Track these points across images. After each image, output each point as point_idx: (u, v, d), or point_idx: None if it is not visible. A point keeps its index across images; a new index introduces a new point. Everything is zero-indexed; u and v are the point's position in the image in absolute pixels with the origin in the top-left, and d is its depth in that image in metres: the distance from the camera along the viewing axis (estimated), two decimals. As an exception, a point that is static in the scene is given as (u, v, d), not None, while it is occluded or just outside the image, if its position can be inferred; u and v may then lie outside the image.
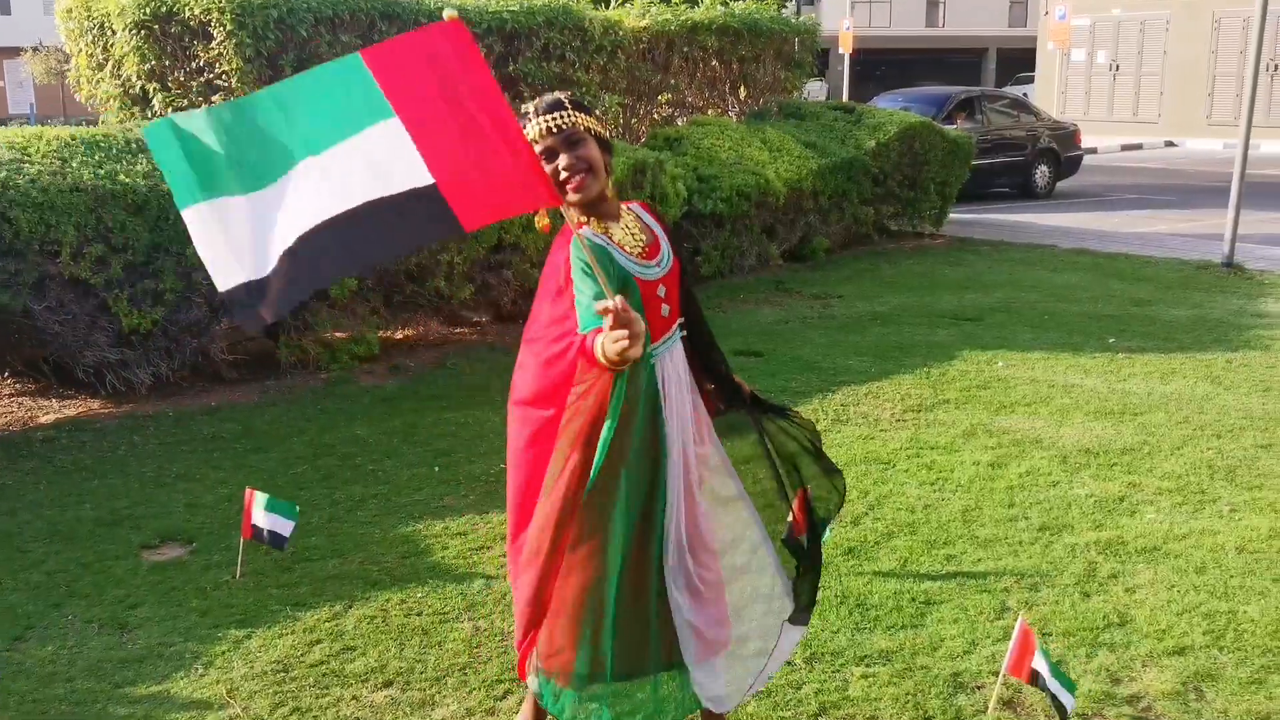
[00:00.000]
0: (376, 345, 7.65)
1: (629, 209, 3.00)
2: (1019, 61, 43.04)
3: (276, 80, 7.75)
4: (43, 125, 7.36)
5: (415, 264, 7.48)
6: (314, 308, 7.23)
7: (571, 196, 2.80)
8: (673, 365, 2.93)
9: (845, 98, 25.83)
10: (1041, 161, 17.54)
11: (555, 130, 2.77)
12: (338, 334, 7.59)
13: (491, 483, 5.48)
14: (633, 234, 2.92)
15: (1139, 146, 28.22)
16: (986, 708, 3.51)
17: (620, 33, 10.20)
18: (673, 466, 2.89)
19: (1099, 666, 3.76)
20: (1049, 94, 31.94)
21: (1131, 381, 7.06)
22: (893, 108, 14.57)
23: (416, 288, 7.63)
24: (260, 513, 4.41)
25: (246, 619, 4.16)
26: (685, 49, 11.06)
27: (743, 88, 12.21)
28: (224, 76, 7.73)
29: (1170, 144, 28.94)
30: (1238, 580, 4.39)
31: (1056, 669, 3.34)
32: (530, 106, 2.83)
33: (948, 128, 13.59)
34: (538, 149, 2.78)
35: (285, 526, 4.43)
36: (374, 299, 7.54)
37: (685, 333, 2.99)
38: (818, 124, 11.92)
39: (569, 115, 2.78)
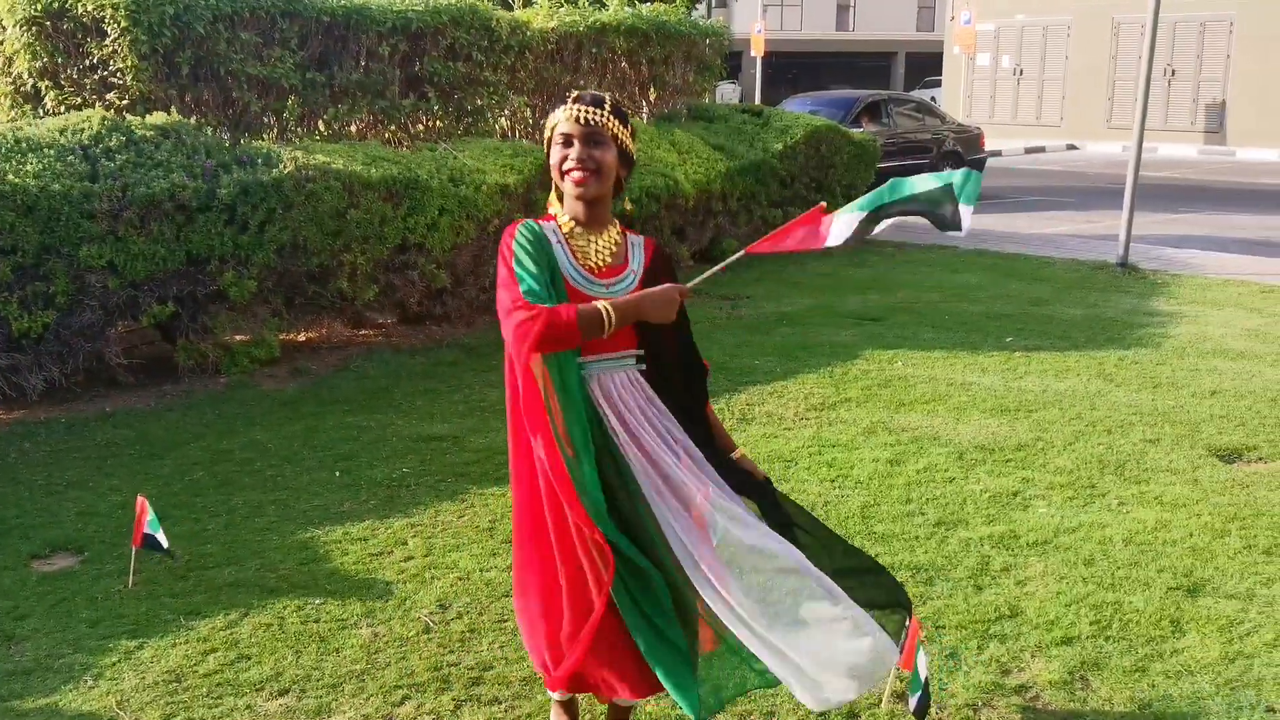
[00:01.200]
0: (277, 348, 7.53)
1: (623, 232, 2.98)
2: (927, 65, 43.79)
3: (173, 79, 7.66)
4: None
5: (318, 265, 7.38)
6: (213, 310, 7.11)
7: (568, 188, 2.82)
8: (617, 390, 2.91)
9: (758, 100, 26.11)
10: (946, 164, 17.81)
11: (582, 122, 2.79)
12: (237, 337, 7.47)
13: (393, 487, 5.43)
14: (597, 248, 2.90)
15: (1042, 149, 28.87)
16: (880, 700, 3.57)
17: (528, 33, 10.16)
18: (645, 489, 2.87)
19: (989, 658, 3.84)
20: (955, 97, 32.56)
21: (1027, 379, 7.23)
22: (801, 111, 14.72)
23: (319, 289, 7.54)
24: (151, 521, 4.32)
25: (139, 629, 4.07)
26: (594, 50, 11.04)
27: (652, 90, 12.25)
28: (119, 74, 7.55)
29: (1072, 147, 29.67)
30: (1124, 571, 4.52)
31: (916, 677, 3.34)
32: (573, 93, 2.86)
33: (854, 131, 13.78)
34: (558, 131, 2.81)
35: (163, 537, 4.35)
36: (275, 301, 7.43)
37: (643, 367, 2.97)
38: (726, 126, 12.02)
39: (602, 115, 2.79)
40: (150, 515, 4.33)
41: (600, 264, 2.89)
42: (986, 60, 32.05)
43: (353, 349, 8.01)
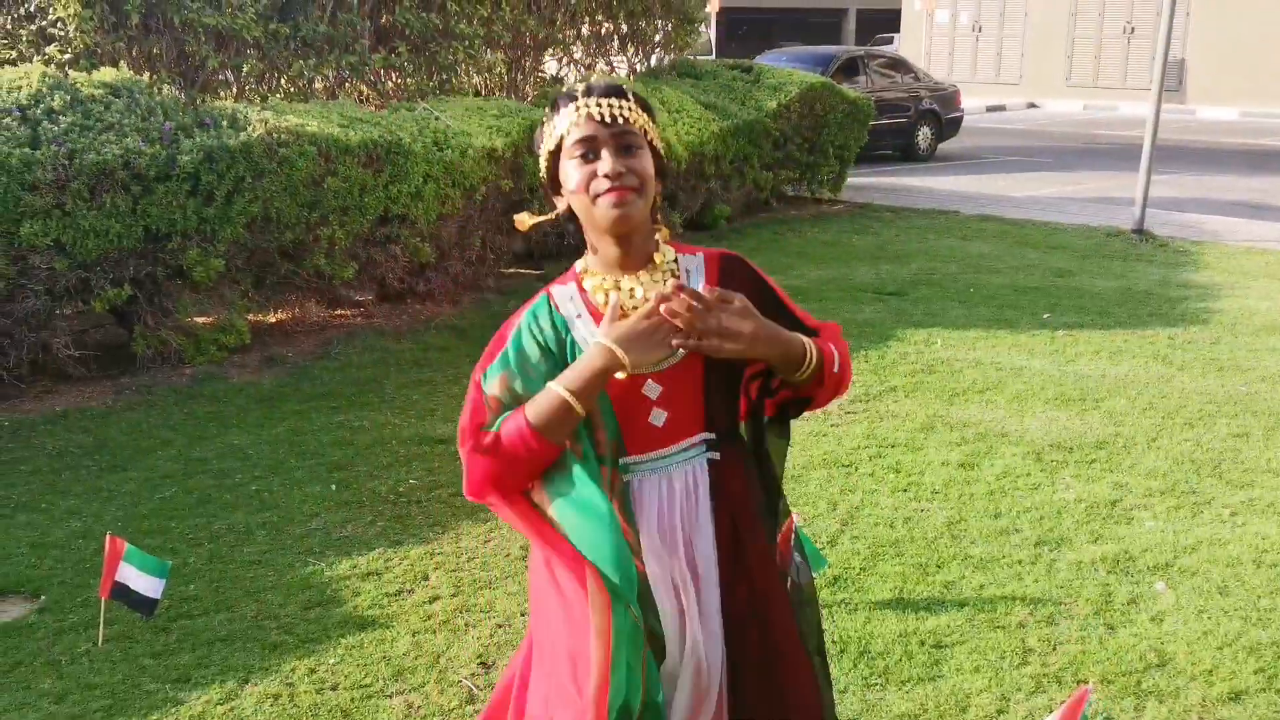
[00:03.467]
0: (247, 333, 6.70)
1: (675, 254, 2.08)
2: (878, 23, 43.08)
3: (121, 30, 6.76)
4: None
5: (291, 240, 6.56)
6: (174, 292, 6.28)
7: (609, 211, 1.93)
8: (674, 493, 2.04)
9: (713, 58, 25.31)
10: (924, 123, 17.22)
11: (607, 121, 1.94)
12: (201, 319, 6.65)
13: (400, 504, 4.69)
14: (640, 301, 2.01)
15: (1002, 108, 28.46)
16: (1046, 790, 2.93)
17: (505, -17, 9.35)
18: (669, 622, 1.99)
19: (1157, 725, 3.22)
20: (914, 55, 31.96)
21: (1080, 363, 6.61)
22: (777, 67, 13.97)
23: (293, 267, 6.72)
24: (124, 566, 3.53)
25: (115, 704, 3.31)
26: (570, 1, 10.26)
27: (630, 44, 11.48)
28: (59, 24, 6.65)
29: (1032, 105, 29.25)
30: (1267, 600, 3.91)
31: None
32: (579, 86, 1.99)
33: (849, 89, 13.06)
34: (573, 137, 1.95)
35: (154, 587, 3.56)
36: (244, 281, 6.59)
37: (717, 455, 2.06)
38: (716, 83, 11.24)
39: (630, 109, 1.96)
40: (135, 557, 3.54)
41: None
42: (945, 17, 31.48)
43: (330, 331, 7.19)
